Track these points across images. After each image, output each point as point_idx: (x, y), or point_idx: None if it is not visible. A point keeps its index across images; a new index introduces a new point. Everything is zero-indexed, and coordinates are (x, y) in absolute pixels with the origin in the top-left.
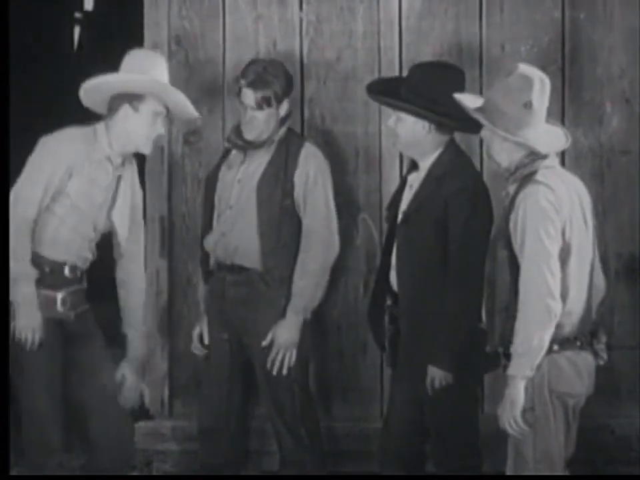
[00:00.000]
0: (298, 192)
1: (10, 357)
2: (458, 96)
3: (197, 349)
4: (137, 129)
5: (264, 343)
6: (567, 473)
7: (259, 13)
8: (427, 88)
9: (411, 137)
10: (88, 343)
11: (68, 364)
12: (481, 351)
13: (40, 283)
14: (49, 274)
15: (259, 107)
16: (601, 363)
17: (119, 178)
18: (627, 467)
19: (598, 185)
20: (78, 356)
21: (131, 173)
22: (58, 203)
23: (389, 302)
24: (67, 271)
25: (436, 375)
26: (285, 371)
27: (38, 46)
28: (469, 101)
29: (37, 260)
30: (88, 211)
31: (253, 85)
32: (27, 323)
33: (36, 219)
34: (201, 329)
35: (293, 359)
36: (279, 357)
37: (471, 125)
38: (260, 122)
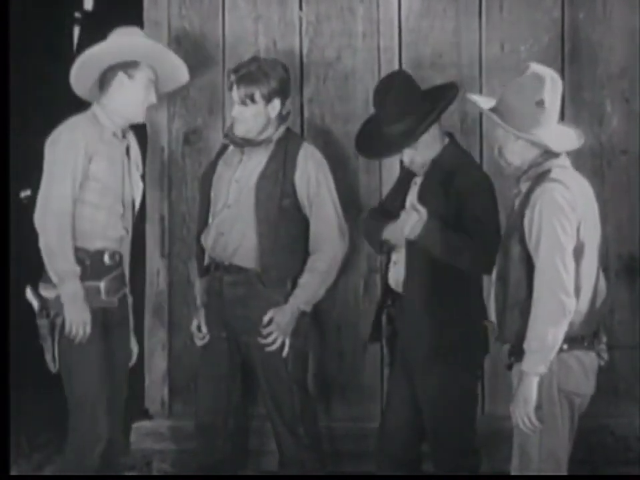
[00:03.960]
0: (301, 193)
1: (58, 349)
2: (472, 96)
3: (198, 339)
4: (132, 97)
5: (265, 319)
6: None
7: (258, 12)
8: (407, 101)
9: (429, 150)
10: (122, 331)
11: (105, 353)
12: (479, 348)
13: (82, 275)
14: (89, 266)
15: (242, 102)
16: (602, 363)
17: (128, 148)
18: (626, 467)
19: (598, 185)
20: (111, 346)
21: (133, 142)
22: (87, 190)
23: (388, 302)
24: (106, 258)
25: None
26: (273, 347)
27: (38, 46)
28: (483, 101)
29: (77, 254)
30: (117, 188)
31: (239, 81)
32: (78, 318)
33: (73, 213)
34: (199, 321)
35: (286, 348)
36: (272, 336)
37: (450, 94)
38: (246, 118)
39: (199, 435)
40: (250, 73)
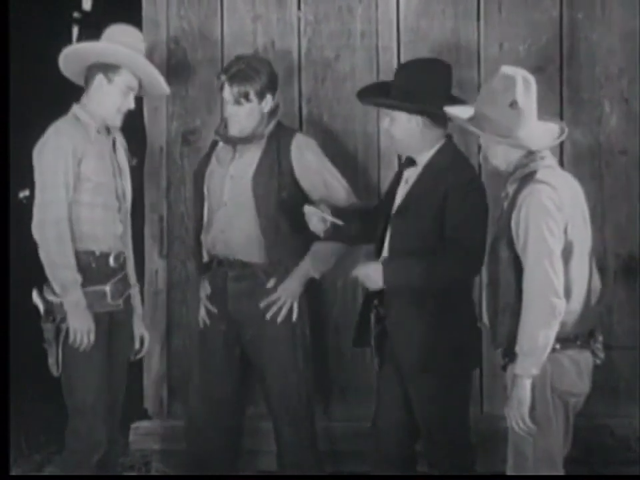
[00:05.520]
0: (305, 184)
1: (62, 354)
2: (448, 109)
3: (202, 313)
4: (109, 101)
5: (268, 285)
6: (563, 473)
7: (257, 12)
8: (415, 84)
9: (406, 135)
10: (124, 331)
11: (108, 358)
12: (471, 349)
13: (88, 280)
14: (95, 269)
15: (237, 102)
16: (598, 362)
17: (114, 142)
18: (626, 467)
19: (597, 185)
20: (113, 348)
21: (119, 135)
22: (82, 191)
23: (375, 301)
24: (112, 261)
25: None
26: (283, 311)
27: (37, 46)
28: (460, 111)
29: (82, 257)
30: (109, 182)
31: (231, 80)
32: (82, 326)
33: (70, 217)
34: (206, 290)
35: (295, 311)
36: (279, 302)
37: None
38: (241, 117)
39: (190, 427)
40: (241, 71)
